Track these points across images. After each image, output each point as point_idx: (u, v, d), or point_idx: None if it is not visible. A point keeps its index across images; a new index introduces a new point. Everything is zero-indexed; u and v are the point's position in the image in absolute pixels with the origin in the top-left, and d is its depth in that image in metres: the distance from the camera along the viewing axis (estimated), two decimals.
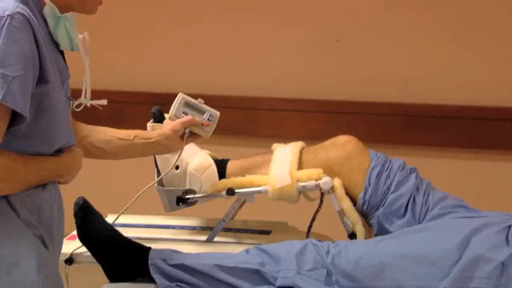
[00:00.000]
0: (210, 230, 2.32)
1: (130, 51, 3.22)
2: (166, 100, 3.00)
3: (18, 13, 1.62)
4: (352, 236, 2.17)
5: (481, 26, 2.90)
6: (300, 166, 2.22)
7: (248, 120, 3.09)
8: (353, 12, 3.01)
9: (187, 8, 3.16)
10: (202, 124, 2.16)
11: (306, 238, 2.24)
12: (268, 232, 2.34)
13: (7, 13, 1.61)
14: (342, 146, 2.24)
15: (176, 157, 2.21)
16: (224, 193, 2.23)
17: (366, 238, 2.16)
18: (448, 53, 2.94)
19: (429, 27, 2.94)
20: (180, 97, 2.17)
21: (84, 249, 2.14)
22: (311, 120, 3.04)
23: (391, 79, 2.99)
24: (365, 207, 2.18)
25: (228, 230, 2.31)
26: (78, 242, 2.12)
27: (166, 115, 2.27)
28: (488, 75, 2.90)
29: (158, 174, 2.29)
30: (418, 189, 2.16)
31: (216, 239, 2.28)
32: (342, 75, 3.04)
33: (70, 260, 2.14)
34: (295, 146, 2.27)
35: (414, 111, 2.97)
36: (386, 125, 2.98)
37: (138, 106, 3.15)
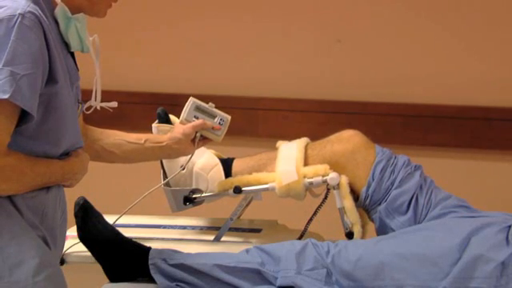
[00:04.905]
0: (209, 229, 2.33)
1: (130, 51, 3.22)
2: (165, 100, 3.03)
3: (30, 12, 1.63)
4: (349, 235, 2.17)
5: (481, 26, 2.90)
6: (305, 162, 2.22)
7: (248, 120, 3.09)
8: (353, 12, 3.01)
9: (187, 8, 3.17)
10: (212, 128, 2.16)
11: (304, 232, 2.26)
12: (258, 230, 2.34)
13: (18, 11, 1.62)
14: (347, 140, 2.24)
15: (182, 157, 2.21)
16: (231, 191, 2.22)
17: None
18: (448, 53, 2.94)
19: (429, 27, 2.94)
20: (191, 101, 2.17)
21: (75, 248, 2.15)
22: (311, 120, 3.04)
23: (391, 79, 2.99)
24: (367, 201, 2.18)
25: (218, 229, 2.31)
26: (69, 242, 2.12)
27: (170, 116, 2.27)
28: (488, 75, 2.90)
29: (165, 174, 2.29)
30: (421, 187, 2.17)
31: (208, 238, 2.29)
32: (342, 75, 3.04)
33: (61, 260, 2.14)
34: (300, 143, 2.27)
35: (414, 111, 2.97)
36: (386, 125, 2.98)
37: (137, 106, 3.15)
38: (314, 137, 2.32)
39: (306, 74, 3.07)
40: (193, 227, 2.38)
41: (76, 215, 2.07)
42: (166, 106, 2.31)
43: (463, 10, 2.91)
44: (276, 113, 3.10)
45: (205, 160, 2.30)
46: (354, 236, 2.16)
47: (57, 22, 1.75)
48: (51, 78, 1.68)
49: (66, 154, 1.78)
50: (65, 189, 1.83)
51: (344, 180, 2.17)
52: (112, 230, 2.08)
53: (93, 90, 1.92)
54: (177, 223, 2.41)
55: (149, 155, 2.16)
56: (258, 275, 2.00)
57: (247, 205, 2.28)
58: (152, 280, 2.03)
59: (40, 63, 1.64)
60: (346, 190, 2.17)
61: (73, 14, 1.76)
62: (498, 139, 2.91)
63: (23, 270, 1.66)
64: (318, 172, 2.18)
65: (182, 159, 2.23)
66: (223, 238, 2.27)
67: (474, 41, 2.92)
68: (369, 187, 2.18)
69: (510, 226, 1.98)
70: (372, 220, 2.21)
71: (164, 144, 2.14)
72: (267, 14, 3.09)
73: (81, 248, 2.12)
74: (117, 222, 2.21)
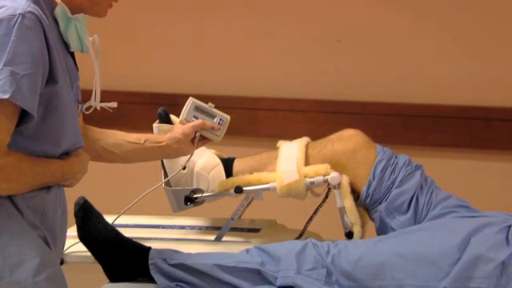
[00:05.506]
0: (209, 229, 2.33)
1: (130, 51, 3.22)
2: (165, 100, 3.03)
3: (30, 12, 1.63)
4: (349, 234, 2.17)
5: (480, 26, 2.90)
6: (306, 161, 2.22)
7: (248, 120, 3.10)
8: (353, 12, 3.01)
9: (187, 7, 3.17)
10: (212, 128, 2.16)
11: (303, 231, 2.26)
12: (257, 230, 2.34)
13: (19, 11, 1.62)
14: (348, 139, 2.24)
15: (183, 157, 2.21)
16: (232, 191, 2.22)
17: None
18: (448, 53, 2.94)
19: (428, 27, 2.95)
20: (190, 101, 2.17)
21: (75, 248, 2.15)
22: (311, 120, 3.04)
23: (391, 79, 2.99)
24: (368, 201, 2.18)
25: (217, 229, 2.31)
26: (69, 242, 2.11)
27: (171, 116, 2.27)
28: (488, 75, 2.90)
29: (165, 174, 2.29)
30: (421, 187, 2.17)
31: (207, 238, 2.29)
32: (342, 75, 3.04)
33: (61, 260, 2.13)
34: (301, 142, 2.28)
35: (414, 111, 2.97)
36: (386, 125, 2.98)
37: (137, 106, 3.15)
38: (315, 137, 2.32)
39: (306, 73, 3.08)
40: (192, 227, 2.38)
41: (76, 215, 2.07)
42: (166, 105, 2.31)
43: (463, 10, 2.91)
44: (276, 113, 3.10)
45: (205, 160, 2.30)
46: (354, 236, 2.16)
47: (57, 22, 1.75)
48: (51, 78, 1.68)
49: (66, 154, 1.78)
50: (65, 189, 1.83)
51: (345, 179, 2.17)
52: (112, 230, 2.08)
53: (93, 90, 1.93)
54: (176, 223, 2.41)
55: (149, 155, 2.16)
56: (257, 275, 2.00)
57: (248, 205, 2.28)
58: (152, 280, 2.03)
59: (40, 63, 1.64)
60: (346, 189, 2.17)
61: (73, 14, 1.76)
62: (498, 139, 2.91)
63: (24, 270, 1.66)
64: (319, 171, 2.18)
65: (183, 159, 2.23)
66: (222, 238, 2.27)
67: (473, 41, 2.91)
68: (369, 186, 2.18)
69: (509, 226, 1.98)
70: (372, 219, 2.21)
71: (164, 144, 2.14)
72: (267, 14, 3.09)
73: (81, 248, 2.13)
74: (116, 222, 2.21)
